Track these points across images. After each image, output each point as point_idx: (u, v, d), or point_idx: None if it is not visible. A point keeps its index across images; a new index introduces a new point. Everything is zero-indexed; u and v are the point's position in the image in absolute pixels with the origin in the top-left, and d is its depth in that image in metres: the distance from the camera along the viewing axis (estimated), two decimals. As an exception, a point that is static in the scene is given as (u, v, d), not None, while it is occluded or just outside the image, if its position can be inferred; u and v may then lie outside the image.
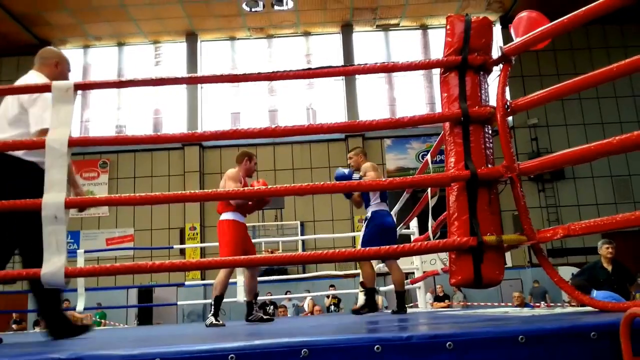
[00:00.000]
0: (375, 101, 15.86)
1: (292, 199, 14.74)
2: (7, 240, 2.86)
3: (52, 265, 2.03)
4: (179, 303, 10.44)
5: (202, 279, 13.52)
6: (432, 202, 3.33)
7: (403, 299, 4.73)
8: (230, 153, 15.44)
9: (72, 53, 16.50)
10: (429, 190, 3.44)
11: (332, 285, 12.25)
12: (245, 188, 3.95)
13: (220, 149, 15.49)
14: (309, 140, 15.30)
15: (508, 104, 2.14)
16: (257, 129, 2.34)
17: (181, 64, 16.04)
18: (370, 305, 4.59)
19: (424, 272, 6.15)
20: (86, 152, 15.42)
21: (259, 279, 5.94)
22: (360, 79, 15.92)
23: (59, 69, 3.06)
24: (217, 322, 4.22)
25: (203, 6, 14.62)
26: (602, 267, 5.94)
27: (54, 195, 2.06)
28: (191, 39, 16.22)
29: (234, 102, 15.96)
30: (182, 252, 14.34)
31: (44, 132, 2.34)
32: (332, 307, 11.95)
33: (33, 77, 2.96)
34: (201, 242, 14.23)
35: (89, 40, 16.23)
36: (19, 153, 2.73)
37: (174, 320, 13.87)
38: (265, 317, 4.76)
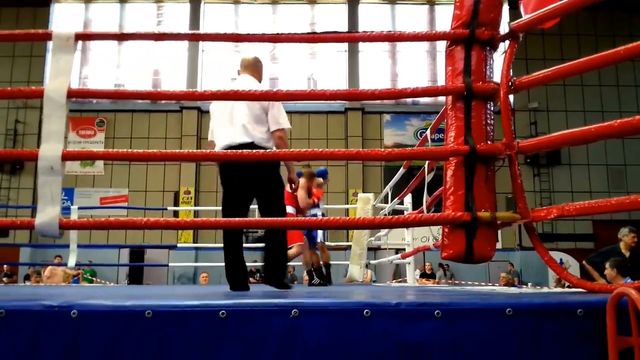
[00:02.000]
0: (377, 76, 15.74)
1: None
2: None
3: (46, 215, 2.03)
4: (170, 264, 10.50)
5: (195, 242, 13.60)
6: (428, 178, 3.34)
7: (329, 271, 5.95)
8: (228, 119, 15.38)
9: (72, 8, 16.23)
10: (425, 165, 3.44)
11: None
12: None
13: (219, 114, 15.38)
14: (308, 111, 15.23)
15: (512, 81, 2.12)
16: (258, 91, 2.33)
17: (183, 26, 15.81)
18: (325, 279, 5.67)
19: (414, 248, 6.20)
20: (83, 109, 15.29)
21: (253, 245, 6.85)
22: (363, 52, 15.77)
23: (262, 72, 3.72)
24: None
25: (208, -33, 14.37)
26: (620, 253, 6.01)
27: (51, 146, 2.04)
28: (195, 0, 15.97)
29: (234, 68, 15.78)
30: (176, 214, 14.38)
31: (282, 131, 3.31)
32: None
33: (249, 81, 3.55)
34: (195, 206, 14.26)
35: (91, -5, 15.96)
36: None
37: (164, 282, 13.99)
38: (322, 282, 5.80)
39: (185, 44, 15.38)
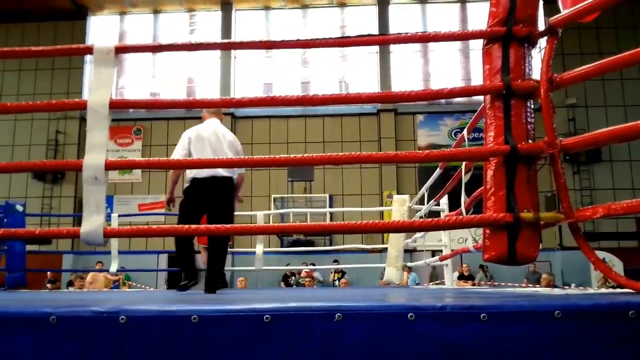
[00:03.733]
0: (409, 76, 15.64)
1: (322, 172, 14.78)
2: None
3: (92, 224, 2.08)
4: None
5: (231, 247, 13.74)
6: (465, 179, 3.29)
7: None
8: (261, 124, 15.49)
9: (108, 19, 16.66)
10: (463, 165, 3.39)
11: (335, 260, 12.27)
12: None
13: (252, 119, 15.54)
14: (341, 114, 15.23)
15: (552, 78, 2.07)
16: (293, 96, 2.34)
17: (215, 33, 16.03)
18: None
19: (452, 249, 6.13)
20: (120, 118, 15.66)
21: (288, 249, 6.62)
22: (394, 53, 15.69)
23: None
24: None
25: (238, -26, 14.56)
26: None
27: (94, 157, 2.10)
28: (226, 7, 16.19)
29: (266, 73, 15.94)
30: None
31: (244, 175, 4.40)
32: (337, 282, 11.96)
33: (220, 124, 4.33)
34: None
35: (125, 6, 16.34)
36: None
37: (201, 286, 14.15)
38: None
39: (217, 51, 15.61)
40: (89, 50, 2.21)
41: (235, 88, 15.78)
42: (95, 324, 1.38)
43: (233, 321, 1.33)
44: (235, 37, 16.13)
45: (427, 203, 5.68)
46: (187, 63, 16.13)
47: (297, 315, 1.31)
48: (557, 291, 3.00)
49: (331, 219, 14.24)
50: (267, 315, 1.32)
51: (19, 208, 7.68)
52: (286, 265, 11.96)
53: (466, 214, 3.23)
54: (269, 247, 11.73)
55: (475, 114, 3.19)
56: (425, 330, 1.29)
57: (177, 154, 4.13)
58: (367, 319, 1.30)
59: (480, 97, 2.26)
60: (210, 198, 4.01)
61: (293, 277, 12.32)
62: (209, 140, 4.01)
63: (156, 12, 16.58)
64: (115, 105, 2.14)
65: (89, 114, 2.12)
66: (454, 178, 4.86)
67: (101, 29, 16.48)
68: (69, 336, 1.39)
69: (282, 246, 13.52)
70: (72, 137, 15.76)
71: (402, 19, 15.92)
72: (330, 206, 14.25)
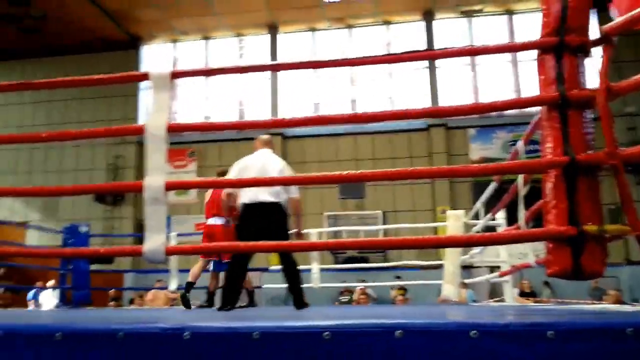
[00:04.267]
0: (458, 90, 15.44)
1: (373, 189, 14.71)
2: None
3: (154, 242, 2.16)
4: (264, 286, 10.71)
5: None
6: (523, 192, 3.21)
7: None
8: (311, 143, 15.62)
9: (160, 48, 17.31)
10: (519, 179, 3.31)
11: (398, 276, 12.06)
12: None
13: (302, 139, 15.69)
14: (390, 131, 15.15)
15: (609, 87, 2.01)
16: (344, 115, 2.36)
17: (264, 56, 16.37)
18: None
19: (511, 265, 5.95)
20: (175, 141, 16.14)
21: (343, 266, 6.68)
22: (441, 68, 15.55)
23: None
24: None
25: (283, -2, 14.89)
26: None
27: (155, 178, 2.18)
28: (272, 31, 16.52)
29: (314, 93, 16.10)
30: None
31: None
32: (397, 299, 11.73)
33: (272, 155, 4.65)
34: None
35: (176, 35, 16.94)
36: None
37: (260, 304, 14.26)
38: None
39: (266, 73, 15.92)
40: (145, 76, 2.31)
41: (284, 108, 16.01)
42: (161, 340, 1.42)
43: (293, 338, 1.34)
44: (282, 59, 16.41)
45: (483, 218, 5.56)
46: (237, 86, 16.51)
47: (358, 332, 1.31)
48: (626, 307, 2.87)
49: (384, 236, 14.12)
50: (327, 332, 1.32)
51: (84, 229, 8.03)
52: (342, 282, 11.91)
53: (526, 227, 3.13)
54: (322, 265, 11.71)
55: (530, 125, 3.12)
56: (489, 348, 1.26)
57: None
58: (429, 335, 1.29)
59: (533, 108, 2.21)
60: (260, 223, 4.05)
61: (346, 294, 12.25)
62: (256, 170, 4.23)
63: (206, 38, 17.09)
64: (173, 129, 2.22)
65: (148, 137, 2.21)
66: (511, 191, 4.75)
67: (154, 57, 17.13)
68: (136, 351, 1.43)
69: (336, 263, 13.48)
70: (129, 160, 16.36)
71: (448, 34, 15.78)
72: (383, 223, 14.14)
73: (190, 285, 5.72)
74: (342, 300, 12.21)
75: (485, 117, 14.95)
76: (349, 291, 12.33)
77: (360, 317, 1.54)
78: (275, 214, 4.09)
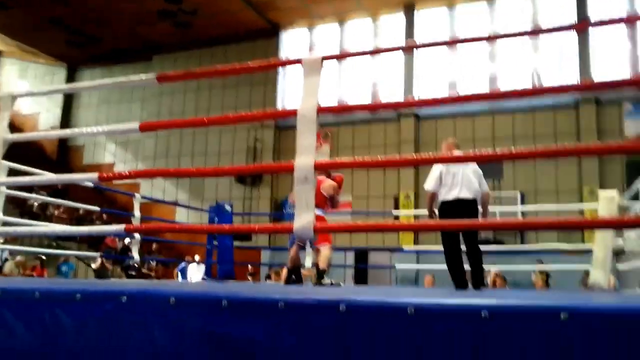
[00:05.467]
0: (612, 60, 14.02)
1: (512, 168, 14.00)
2: None
3: (303, 220, 2.26)
4: (397, 266, 10.73)
5: (415, 244, 13.76)
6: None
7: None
8: (446, 124, 15.22)
9: (298, 33, 17.86)
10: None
11: (539, 260, 11.31)
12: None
13: (436, 120, 15.34)
14: (533, 108, 14.24)
15: None
16: (481, 93, 2.27)
17: (398, 37, 16.18)
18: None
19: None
20: (310, 124, 16.62)
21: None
22: (593, 37, 14.21)
23: None
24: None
25: (420, -26, 14.52)
26: None
27: (304, 159, 2.28)
28: (408, 10, 16.24)
29: (450, 72, 15.59)
30: (396, 218, 14.70)
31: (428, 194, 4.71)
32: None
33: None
34: (415, 209, 14.40)
35: (314, 20, 17.34)
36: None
37: (388, 283, 14.38)
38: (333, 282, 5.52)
39: (400, 54, 15.73)
40: (298, 61, 2.41)
41: (418, 88, 15.73)
42: (317, 311, 1.51)
43: (450, 315, 1.35)
44: (418, 38, 16.08)
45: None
46: (371, 68, 16.52)
47: (518, 315, 1.28)
48: None
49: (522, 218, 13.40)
50: (484, 312, 1.31)
51: (228, 208, 8.60)
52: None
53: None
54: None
55: None
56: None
57: (429, 183, 4.71)
58: (599, 319, 1.21)
59: None
60: (461, 217, 4.40)
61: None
62: (459, 170, 4.61)
63: (341, 21, 17.29)
64: (323, 111, 2.30)
65: (299, 119, 2.31)
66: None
67: (292, 43, 17.75)
68: (292, 319, 1.53)
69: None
70: (268, 143, 17.23)
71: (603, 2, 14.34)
72: (522, 204, 13.41)
73: (296, 270, 5.73)
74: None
75: (643, 90, 13.47)
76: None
77: (525, 299, 1.49)
78: (474, 210, 4.59)
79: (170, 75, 2.82)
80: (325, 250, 5.24)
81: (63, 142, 20.59)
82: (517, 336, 1.26)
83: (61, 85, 18.17)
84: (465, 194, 4.53)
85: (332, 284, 5.32)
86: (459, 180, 4.55)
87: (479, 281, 4.68)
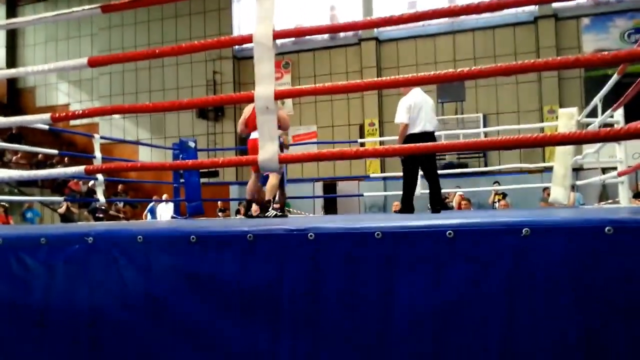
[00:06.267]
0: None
1: (474, 90, 14.09)
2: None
3: (267, 151, 2.22)
4: (365, 194, 10.90)
5: (382, 171, 13.95)
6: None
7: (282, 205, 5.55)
8: (407, 45, 15.05)
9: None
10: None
11: (496, 182, 11.68)
12: None
13: (397, 41, 15.14)
14: (493, 26, 14.18)
15: None
16: (440, 8, 2.19)
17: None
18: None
19: (628, 166, 5.56)
20: (270, 53, 16.20)
21: (442, 172, 6.47)
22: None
23: None
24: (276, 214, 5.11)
25: None
26: None
27: (264, 88, 2.20)
28: None
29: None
30: (362, 146, 14.77)
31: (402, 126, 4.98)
32: (496, 204, 11.41)
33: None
34: (380, 137, 14.49)
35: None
36: None
37: (357, 211, 14.66)
38: (279, 214, 5.22)
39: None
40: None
41: (377, 10, 15.39)
42: (288, 240, 1.50)
43: (416, 237, 1.36)
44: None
45: (601, 115, 5.16)
46: (328, -9, 16.01)
47: (483, 231, 1.30)
48: None
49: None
50: (450, 231, 1.32)
51: (192, 144, 8.47)
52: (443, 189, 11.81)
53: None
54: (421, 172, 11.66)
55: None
56: (626, 245, 1.20)
57: (402, 116, 4.99)
58: (560, 233, 1.25)
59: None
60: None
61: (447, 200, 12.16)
62: (423, 106, 5.00)
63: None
64: (279, 36, 2.20)
65: (255, 46, 2.21)
66: (633, 88, 4.33)
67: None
68: (265, 250, 1.53)
69: (440, 169, 13.33)
70: (227, 76, 16.78)
71: None
72: (485, 126, 13.62)
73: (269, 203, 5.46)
74: (448, 206, 12.14)
75: (600, 3, 13.51)
76: (446, 198, 12.20)
77: (486, 216, 1.52)
78: (434, 141, 5.11)
79: (115, 5, 2.64)
80: (272, 178, 5.12)
81: (12, 85, 19.64)
82: (481, 252, 1.29)
83: (1, 21, 17.08)
84: (429, 127, 5.03)
85: (276, 215, 5.08)
86: (424, 115, 4.99)
87: (439, 203, 5.19)
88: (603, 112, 5.15)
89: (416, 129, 4.99)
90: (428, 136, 5.01)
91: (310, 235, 1.46)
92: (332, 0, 16.15)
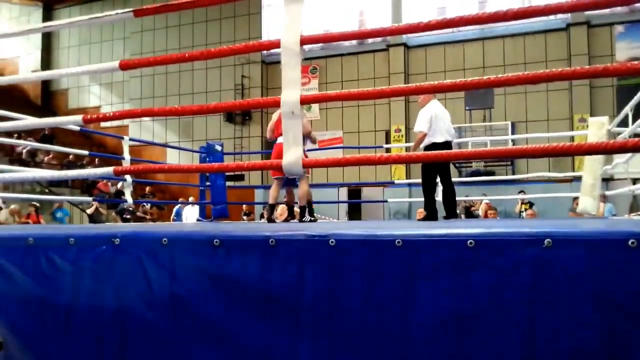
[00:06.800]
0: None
1: (503, 97, 13.91)
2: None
3: (291, 155, 2.24)
4: (389, 200, 10.86)
5: (407, 177, 13.87)
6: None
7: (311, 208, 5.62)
8: (435, 52, 14.97)
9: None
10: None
11: (521, 191, 11.49)
12: None
13: (425, 48, 15.07)
14: (523, 32, 13.99)
15: None
16: (463, 16, 2.18)
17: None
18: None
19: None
20: (297, 58, 16.28)
21: (468, 179, 6.57)
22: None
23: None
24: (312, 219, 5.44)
25: None
26: None
27: (290, 93, 2.22)
28: None
29: (438, -2, 15.15)
30: (388, 152, 14.72)
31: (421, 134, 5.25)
32: (523, 213, 11.22)
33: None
34: (406, 143, 14.41)
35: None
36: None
37: (381, 217, 14.60)
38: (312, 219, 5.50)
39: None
40: (279, -10, 2.31)
41: (406, 16, 15.33)
42: (308, 246, 1.51)
43: (437, 245, 1.36)
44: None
45: (632, 125, 5.05)
46: (357, -4, 16.03)
47: (504, 241, 1.29)
48: None
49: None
50: (470, 241, 1.32)
51: (218, 148, 8.55)
52: (465, 197, 11.71)
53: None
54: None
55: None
56: (651, 259, 1.18)
57: (423, 125, 5.22)
58: (581, 245, 1.23)
59: None
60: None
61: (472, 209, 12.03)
62: (443, 117, 5.33)
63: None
64: (307, 42, 2.22)
65: (283, 52, 2.23)
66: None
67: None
68: (286, 255, 1.54)
69: (460, 177, 13.21)
70: (255, 80, 16.93)
71: None
72: (513, 134, 13.44)
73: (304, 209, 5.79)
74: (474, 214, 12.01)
75: (635, 11, 13.22)
76: (472, 206, 12.07)
77: (506, 226, 1.50)
78: (452, 148, 5.40)
79: (148, 9, 2.70)
80: (303, 185, 5.35)
81: (47, 87, 20.15)
82: (502, 262, 1.28)
83: (38, 24, 17.53)
84: (449, 137, 5.37)
85: (311, 220, 5.40)
86: (443, 125, 5.30)
87: (452, 212, 5.45)
88: (634, 121, 5.03)
89: (439, 139, 5.26)
90: (448, 145, 5.32)
91: (332, 242, 1.47)
92: (361, 5, 16.17)
